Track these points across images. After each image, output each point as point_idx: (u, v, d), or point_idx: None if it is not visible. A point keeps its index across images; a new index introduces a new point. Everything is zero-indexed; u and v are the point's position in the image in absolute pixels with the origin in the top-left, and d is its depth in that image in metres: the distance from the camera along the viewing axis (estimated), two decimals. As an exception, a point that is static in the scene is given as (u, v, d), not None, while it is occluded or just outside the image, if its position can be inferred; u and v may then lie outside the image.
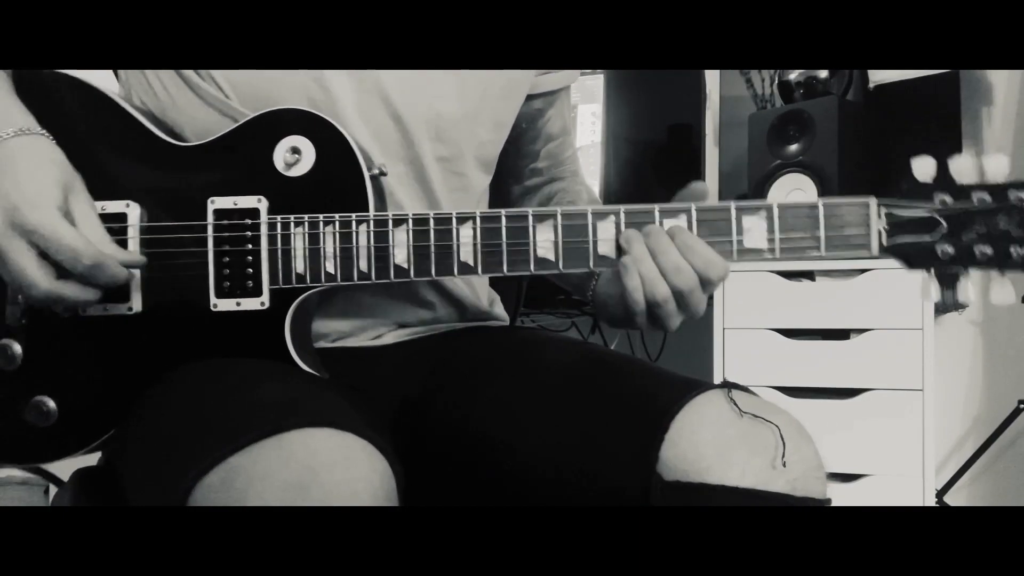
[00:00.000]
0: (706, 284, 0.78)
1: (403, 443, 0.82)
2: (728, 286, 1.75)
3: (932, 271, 0.79)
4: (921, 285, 0.82)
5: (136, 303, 0.79)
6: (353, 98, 0.84)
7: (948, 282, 0.80)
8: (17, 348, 0.80)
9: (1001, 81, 2.08)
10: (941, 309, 2.06)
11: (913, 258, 0.78)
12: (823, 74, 1.97)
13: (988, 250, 0.76)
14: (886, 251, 0.78)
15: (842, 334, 1.70)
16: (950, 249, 0.77)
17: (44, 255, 0.73)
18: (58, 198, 0.74)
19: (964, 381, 2.15)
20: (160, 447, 0.71)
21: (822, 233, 0.78)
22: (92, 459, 0.88)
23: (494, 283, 1.09)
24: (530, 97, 0.99)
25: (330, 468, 0.62)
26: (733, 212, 0.78)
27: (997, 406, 2.05)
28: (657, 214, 0.78)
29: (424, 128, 0.87)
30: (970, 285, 0.79)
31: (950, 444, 2.14)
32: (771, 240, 0.78)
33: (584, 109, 2.07)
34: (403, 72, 0.85)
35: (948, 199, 0.77)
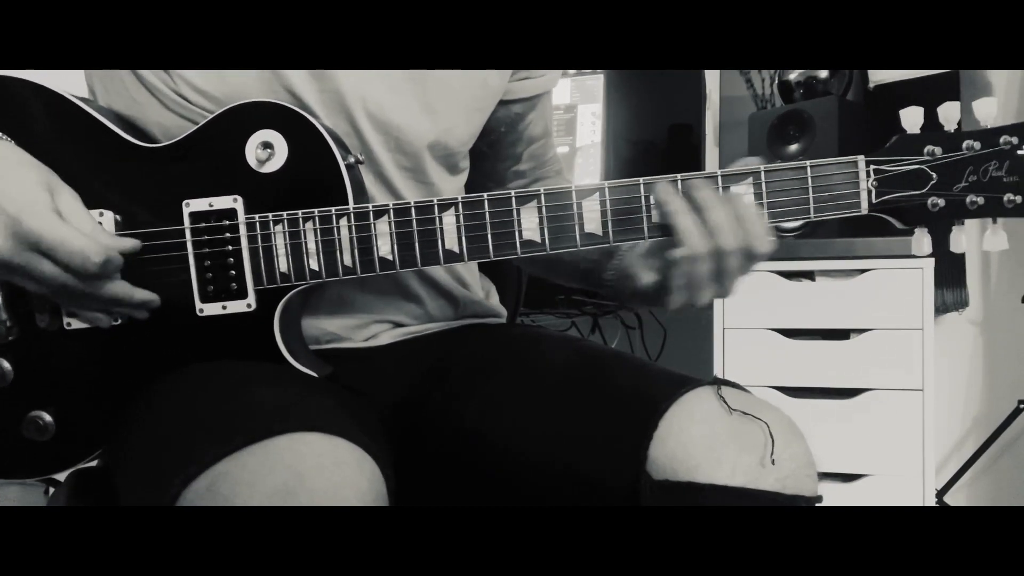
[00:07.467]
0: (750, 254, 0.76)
1: (398, 443, 0.82)
2: (728, 286, 1.75)
3: (925, 226, 0.78)
4: (913, 240, 0.81)
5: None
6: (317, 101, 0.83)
7: (941, 232, 0.78)
8: (7, 365, 0.79)
9: (1001, 81, 2.07)
10: (941, 309, 2.06)
11: (904, 214, 0.78)
12: (823, 74, 1.97)
13: (980, 199, 0.75)
14: (876, 208, 0.77)
15: (842, 334, 1.70)
16: (941, 201, 0.76)
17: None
18: (48, 200, 0.72)
19: (964, 381, 2.14)
20: (150, 452, 0.71)
21: (811, 195, 0.77)
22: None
23: (491, 276, 1.08)
24: (510, 102, 0.97)
25: (317, 473, 0.61)
26: (719, 180, 0.78)
27: (997, 406, 2.05)
28: (642, 188, 0.78)
29: (383, 140, 0.86)
30: (963, 236, 0.78)
31: (950, 444, 2.14)
32: (760, 206, 0.77)
33: (584, 109, 2.06)
34: (368, 85, 0.84)
35: (938, 150, 0.76)
